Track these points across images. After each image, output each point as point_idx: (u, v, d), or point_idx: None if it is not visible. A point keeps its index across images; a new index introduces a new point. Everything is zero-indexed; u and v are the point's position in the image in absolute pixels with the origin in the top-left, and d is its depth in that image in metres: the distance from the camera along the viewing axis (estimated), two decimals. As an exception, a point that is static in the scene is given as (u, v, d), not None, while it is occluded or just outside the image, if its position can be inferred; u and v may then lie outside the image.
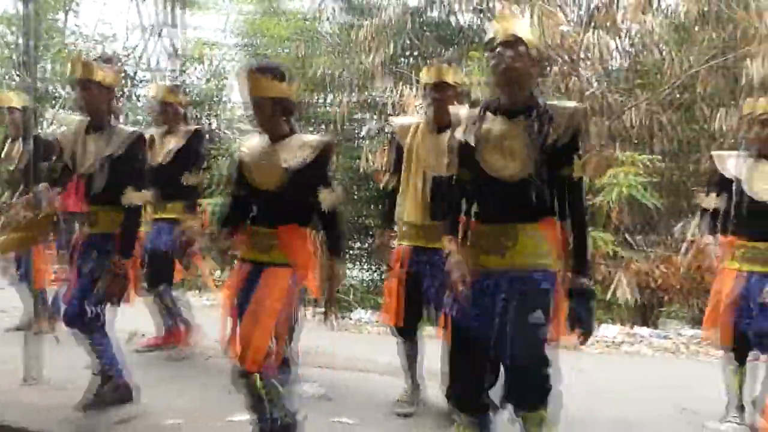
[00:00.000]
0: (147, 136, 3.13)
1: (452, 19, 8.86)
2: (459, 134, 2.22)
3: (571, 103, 2.38)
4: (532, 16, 6.91)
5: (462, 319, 2.13)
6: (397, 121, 3.42)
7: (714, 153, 3.47)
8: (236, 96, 9.22)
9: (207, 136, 5.91)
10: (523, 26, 2.18)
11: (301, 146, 2.45)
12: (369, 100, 8.89)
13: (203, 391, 3.41)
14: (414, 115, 7.10)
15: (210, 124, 9.70)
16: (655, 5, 7.43)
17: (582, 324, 2.12)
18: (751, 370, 3.14)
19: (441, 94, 3.03)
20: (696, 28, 6.93)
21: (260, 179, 2.50)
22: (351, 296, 7.39)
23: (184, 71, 9.69)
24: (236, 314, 2.49)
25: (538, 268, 2.12)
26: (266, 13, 10.11)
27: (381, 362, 3.97)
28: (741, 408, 3.14)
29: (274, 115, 2.45)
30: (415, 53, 8.59)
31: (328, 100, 8.79)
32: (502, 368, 2.11)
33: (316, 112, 8.77)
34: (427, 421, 3.10)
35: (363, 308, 6.91)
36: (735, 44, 6.60)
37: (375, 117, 9.27)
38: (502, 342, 2.05)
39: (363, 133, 10.08)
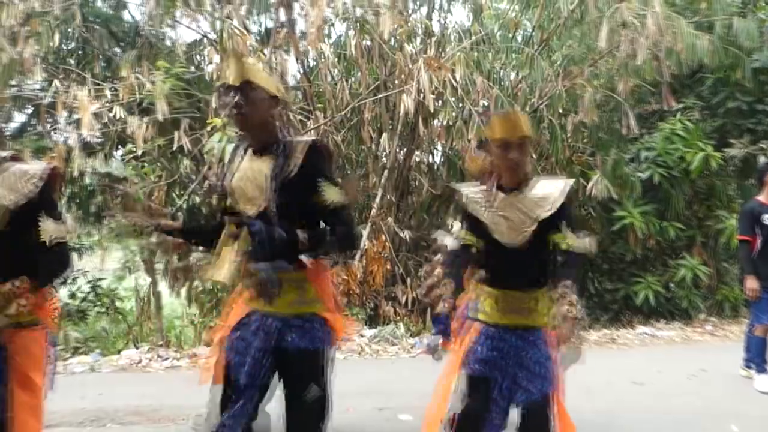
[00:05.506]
0: None
1: (126, 15, 8.22)
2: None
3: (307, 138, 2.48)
4: (221, 35, 6.93)
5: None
6: None
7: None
8: None
9: None
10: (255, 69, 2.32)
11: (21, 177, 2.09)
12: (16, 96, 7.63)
13: None
14: (90, 121, 6.44)
15: None
16: (327, 33, 8.21)
17: None
18: None
19: None
20: (360, 61, 7.84)
21: None
22: None
23: None
24: None
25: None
26: None
27: None
28: None
29: None
30: (84, 48, 7.70)
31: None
32: None
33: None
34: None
35: None
36: (394, 78, 7.72)
37: (28, 114, 8.03)
38: None
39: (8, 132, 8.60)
